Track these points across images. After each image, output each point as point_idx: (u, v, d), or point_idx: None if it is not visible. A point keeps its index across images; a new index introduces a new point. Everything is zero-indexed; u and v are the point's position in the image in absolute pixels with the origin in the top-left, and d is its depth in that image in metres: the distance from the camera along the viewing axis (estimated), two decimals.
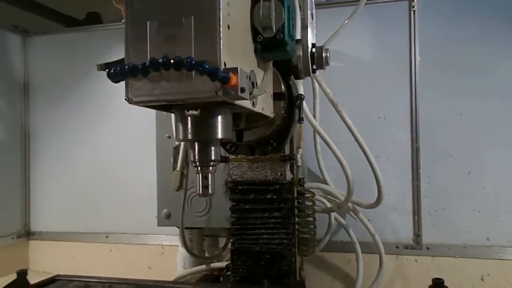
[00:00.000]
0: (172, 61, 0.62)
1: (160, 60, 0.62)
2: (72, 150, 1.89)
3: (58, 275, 1.14)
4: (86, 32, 1.90)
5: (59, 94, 1.91)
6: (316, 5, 1.09)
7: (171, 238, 1.69)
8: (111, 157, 1.82)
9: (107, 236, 1.81)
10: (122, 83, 0.69)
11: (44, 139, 1.93)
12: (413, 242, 1.51)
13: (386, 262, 1.42)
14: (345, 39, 1.44)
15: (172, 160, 1.36)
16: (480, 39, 1.48)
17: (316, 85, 1.40)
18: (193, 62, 0.61)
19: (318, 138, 1.46)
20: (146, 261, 1.73)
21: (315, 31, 1.09)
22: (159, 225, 1.42)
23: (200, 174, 0.78)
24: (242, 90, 0.64)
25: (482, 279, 1.44)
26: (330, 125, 1.33)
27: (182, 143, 1.33)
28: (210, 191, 0.79)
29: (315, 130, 1.35)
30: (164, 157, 1.40)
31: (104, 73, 2.03)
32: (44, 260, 1.83)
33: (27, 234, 1.92)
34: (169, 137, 1.40)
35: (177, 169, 1.33)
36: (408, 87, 1.52)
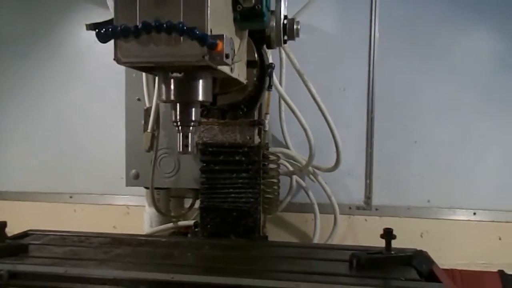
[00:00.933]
0: (164, 25, 0.66)
1: (153, 24, 0.66)
2: (37, 107, 1.85)
3: (30, 230, 1.17)
4: None
5: (24, 50, 1.85)
6: None
7: (136, 198, 1.73)
8: (77, 117, 1.81)
9: (71, 197, 1.82)
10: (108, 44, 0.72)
11: (7, 95, 1.88)
12: (364, 204, 1.66)
13: (339, 222, 1.56)
14: (312, 12, 1.52)
15: (143, 122, 1.38)
16: (438, 18, 1.59)
17: (284, 55, 1.46)
18: (185, 28, 0.66)
19: (283, 106, 1.54)
20: (111, 221, 1.76)
21: (286, 3, 1.14)
22: (127, 185, 1.45)
23: (181, 133, 0.85)
24: (227, 56, 0.70)
25: (421, 236, 1.62)
26: (295, 94, 1.40)
27: (153, 106, 1.37)
28: (190, 149, 0.85)
29: (281, 98, 1.43)
30: (133, 119, 1.42)
31: (70, 31, 1.98)
32: (5, 220, 1.81)
33: None
34: (138, 99, 1.42)
35: (148, 130, 1.36)
36: (366, 61, 1.63)
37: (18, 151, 1.88)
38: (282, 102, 1.48)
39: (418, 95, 1.62)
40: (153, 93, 1.36)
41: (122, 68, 1.41)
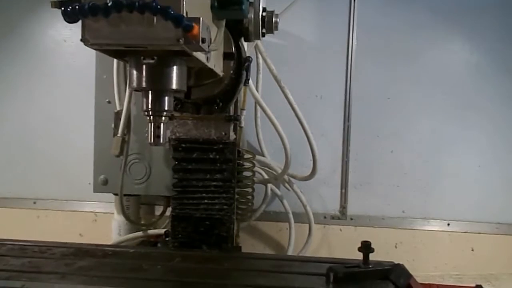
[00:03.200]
0: (136, 3, 0.61)
1: (124, 2, 0.61)
2: (1, 109, 1.75)
3: None
4: None
5: None
6: None
7: (104, 205, 1.66)
8: (42, 118, 1.73)
9: (34, 202, 1.73)
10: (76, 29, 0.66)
11: None
12: (339, 213, 1.64)
13: (314, 231, 1.53)
14: (290, 18, 1.50)
15: (113, 125, 1.32)
16: (411, 29, 1.60)
17: (261, 60, 1.44)
18: (159, 7, 0.61)
19: (259, 112, 1.51)
20: (77, 228, 1.69)
21: None
22: (95, 191, 1.39)
23: (153, 124, 0.80)
24: (203, 40, 0.66)
25: (396, 246, 1.61)
26: (271, 100, 1.38)
27: (124, 109, 1.31)
28: (161, 141, 0.81)
29: (257, 103, 1.40)
30: (102, 122, 1.36)
31: (38, 29, 1.89)
32: None
33: None
34: (109, 102, 1.36)
35: (118, 135, 1.31)
36: (344, 70, 1.62)
37: None
38: (258, 108, 1.45)
39: (395, 104, 1.62)
40: (124, 95, 1.31)
41: (92, 68, 1.38)
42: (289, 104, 1.32)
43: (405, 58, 1.61)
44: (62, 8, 0.65)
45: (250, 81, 1.29)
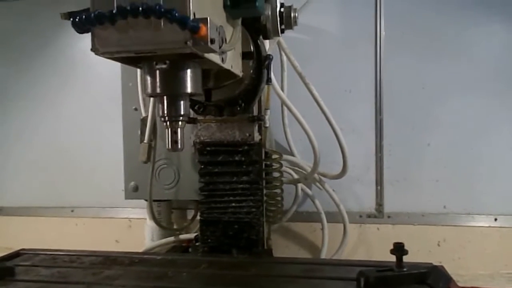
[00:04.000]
0: (140, 8, 0.60)
1: (128, 7, 0.61)
2: (35, 120, 1.82)
3: (23, 249, 1.12)
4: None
5: (20, 64, 1.82)
6: None
7: (138, 211, 1.67)
8: (76, 128, 1.77)
9: (72, 211, 1.78)
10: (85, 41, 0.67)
11: (3, 108, 1.86)
12: (375, 211, 1.57)
13: (349, 231, 1.47)
14: (312, 11, 1.45)
15: (139, 132, 1.34)
16: (444, 14, 1.50)
17: (284, 57, 1.40)
18: (163, 10, 0.60)
19: (285, 111, 1.47)
20: (113, 234, 1.72)
21: None
22: (126, 198, 1.41)
23: (169, 129, 0.79)
24: (212, 41, 0.64)
25: (439, 245, 1.52)
26: (297, 98, 1.33)
27: (149, 116, 1.32)
28: (179, 146, 0.80)
29: (283, 103, 1.36)
30: (130, 129, 1.38)
31: (68, 41, 1.95)
32: (6, 236, 1.77)
33: None
34: (135, 109, 1.38)
35: (145, 141, 1.31)
36: (373, 60, 1.54)
37: (17, 166, 1.85)
38: (285, 107, 1.42)
39: (430, 94, 1.52)
40: (149, 102, 1.31)
41: (118, 77, 1.39)
42: (315, 101, 1.27)
43: (439, 44, 1.50)
44: (71, 19, 0.65)
45: (274, 79, 1.26)
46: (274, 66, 1.09)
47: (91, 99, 1.75)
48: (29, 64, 1.82)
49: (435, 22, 1.51)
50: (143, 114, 1.34)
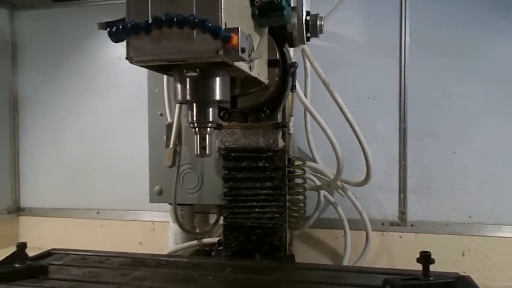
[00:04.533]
0: (175, 19, 0.62)
1: (163, 18, 0.63)
2: (63, 124, 1.87)
3: (54, 249, 1.15)
4: (74, 7, 1.86)
5: (49, 69, 1.88)
6: None
7: (162, 214, 1.70)
8: (102, 132, 1.82)
9: (98, 212, 1.82)
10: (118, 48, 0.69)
11: (34, 113, 1.92)
12: (398, 219, 1.55)
13: (372, 238, 1.46)
14: (337, 20, 1.45)
15: (165, 137, 1.36)
16: (470, 22, 1.49)
17: (308, 64, 1.41)
18: (196, 20, 0.62)
19: (308, 118, 1.48)
20: (137, 237, 1.75)
21: None
22: (151, 201, 1.44)
23: (198, 135, 0.82)
24: (243, 50, 0.66)
25: (463, 255, 1.50)
26: (321, 105, 1.35)
27: (175, 121, 1.34)
28: (207, 152, 0.82)
29: (306, 109, 1.37)
30: (156, 134, 1.41)
31: (95, 49, 2.01)
32: (34, 236, 1.83)
33: (17, 210, 1.92)
34: (161, 114, 1.41)
35: (170, 146, 1.34)
36: (397, 68, 1.54)
37: (46, 168, 1.90)
38: (308, 113, 1.42)
39: (456, 102, 1.51)
40: (175, 108, 1.34)
41: (144, 83, 1.43)
42: (339, 108, 1.27)
43: (465, 52, 1.49)
44: (108, 29, 0.68)
45: (298, 86, 1.27)
46: (298, 73, 1.10)
47: (118, 105, 1.80)
48: (56, 71, 1.88)
49: (461, 31, 1.50)
50: (169, 120, 1.37)
